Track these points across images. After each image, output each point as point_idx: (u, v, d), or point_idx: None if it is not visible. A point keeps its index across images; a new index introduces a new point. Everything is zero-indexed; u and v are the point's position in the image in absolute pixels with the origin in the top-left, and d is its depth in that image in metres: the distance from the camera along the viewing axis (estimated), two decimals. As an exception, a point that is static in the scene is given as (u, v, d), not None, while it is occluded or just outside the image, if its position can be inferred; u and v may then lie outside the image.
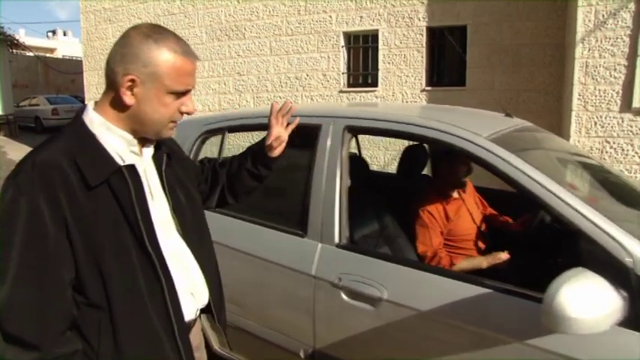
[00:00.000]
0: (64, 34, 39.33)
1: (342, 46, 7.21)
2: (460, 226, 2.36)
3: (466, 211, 2.42)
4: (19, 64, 20.02)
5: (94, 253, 1.08)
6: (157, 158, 1.28)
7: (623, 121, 4.79)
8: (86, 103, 1.21)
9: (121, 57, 1.11)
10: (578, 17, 4.95)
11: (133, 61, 1.11)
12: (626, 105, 4.72)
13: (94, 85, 10.09)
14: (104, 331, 1.10)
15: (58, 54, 30.96)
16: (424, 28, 6.58)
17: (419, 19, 6.60)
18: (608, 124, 5.01)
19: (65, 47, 34.90)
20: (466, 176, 2.36)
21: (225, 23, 8.07)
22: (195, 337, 1.40)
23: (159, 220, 1.19)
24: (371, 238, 2.22)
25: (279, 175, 1.82)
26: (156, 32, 1.14)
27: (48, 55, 26.37)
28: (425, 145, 2.66)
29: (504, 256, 2.09)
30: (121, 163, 1.14)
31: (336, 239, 1.94)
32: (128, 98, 1.12)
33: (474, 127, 1.84)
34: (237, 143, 2.50)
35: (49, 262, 1.03)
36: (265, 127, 1.52)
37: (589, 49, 4.96)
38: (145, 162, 1.23)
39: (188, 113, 1.21)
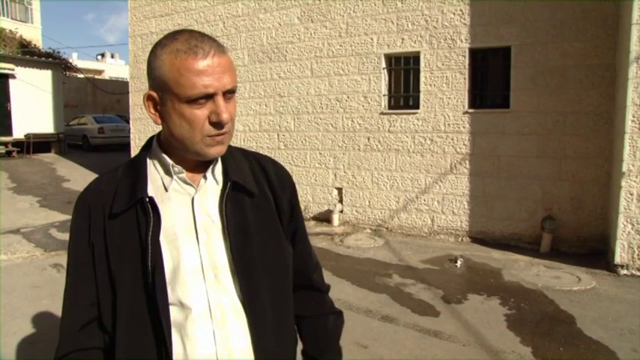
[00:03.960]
0: (112, 57, 41.21)
1: (384, 68, 7.21)
2: None
3: None
4: (71, 85, 21.07)
5: (109, 282, 1.01)
6: (223, 189, 1.07)
7: (681, 145, 4.56)
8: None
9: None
10: (632, 35, 4.78)
11: (148, 76, 1.00)
12: (685, 128, 4.49)
13: (138, 106, 10.44)
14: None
15: (106, 75, 32.38)
16: (466, 50, 6.51)
17: (461, 41, 6.54)
18: (665, 148, 4.78)
19: (112, 69, 36.55)
20: None
21: (267, 45, 8.24)
22: None
23: (205, 264, 1.02)
24: None
25: None
26: (167, 37, 1.00)
27: (96, 76, 27.59)
28: None
29: None
30: (158, 192, 1.03)
31: None
32: (153, 117, 1.01)
33: None
34: None
35: (76, 277, 1.06)
36: None
37: (644, 71, 4.77)
38: (203, 192, 1.06)
39: (218, 124, 0.97)
